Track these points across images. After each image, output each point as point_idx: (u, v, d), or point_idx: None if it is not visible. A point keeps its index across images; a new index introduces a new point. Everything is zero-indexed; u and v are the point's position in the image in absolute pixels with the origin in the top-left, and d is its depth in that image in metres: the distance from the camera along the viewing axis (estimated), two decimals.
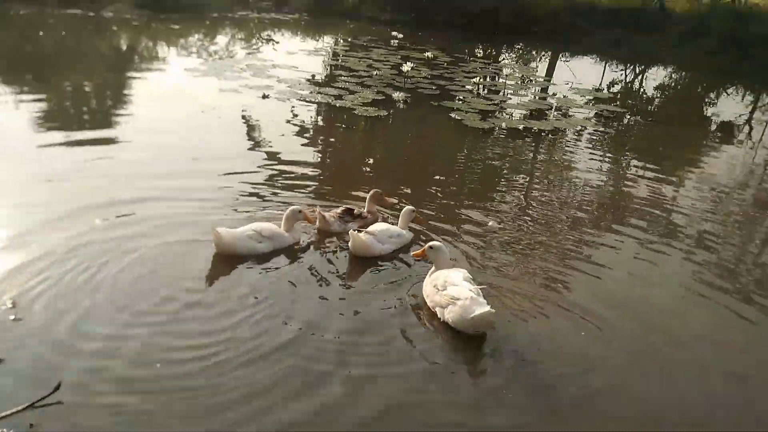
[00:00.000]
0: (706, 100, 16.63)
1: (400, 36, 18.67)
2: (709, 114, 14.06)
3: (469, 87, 12.83)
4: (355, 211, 5.45)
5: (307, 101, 10.31)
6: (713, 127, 12.44)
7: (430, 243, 4.55)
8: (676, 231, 6.24)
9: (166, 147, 7.20)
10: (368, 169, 7.41)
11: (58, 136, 7.24)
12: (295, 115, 9.42)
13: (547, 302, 4.49)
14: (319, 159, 7.66)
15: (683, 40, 23.63)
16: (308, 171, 6.98)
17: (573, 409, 3.47)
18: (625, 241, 5.82)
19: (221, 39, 17.72)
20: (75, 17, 17.68)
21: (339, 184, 6.64)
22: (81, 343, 3.55)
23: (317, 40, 20.04)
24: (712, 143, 11.06)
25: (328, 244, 5.12)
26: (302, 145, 7.97)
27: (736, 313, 4.68)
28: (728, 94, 17.60)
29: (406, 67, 12.31)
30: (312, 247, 5.07)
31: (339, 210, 5.42)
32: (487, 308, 3.82)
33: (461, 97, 11.64)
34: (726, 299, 4.87)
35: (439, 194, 6.59)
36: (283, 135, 8.27)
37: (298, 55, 15.23)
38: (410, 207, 5.36)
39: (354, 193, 6.29)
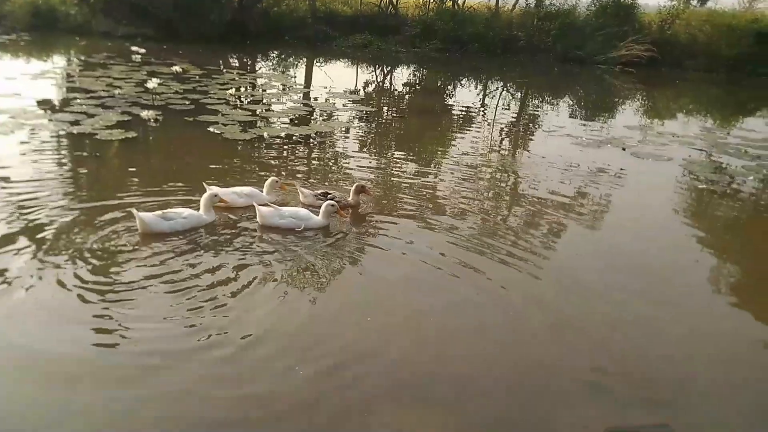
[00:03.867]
0: (446, 91, 18.60)
1: (143, 51, 17.19)
2: (451, 103, 15.70)
3: (225, 99, 12.31)
4: (329, 195, 6.35)
5: (36, 131, 8.79)
6: (456, 114, 13.90)
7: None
8: (441, 209, 6.73)
9: None
10: (126, 190, 6.51)
11: None
12: (24, 149, 7.93)
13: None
14: (62, 191, 6.45)
15: (417, 41, 26.34)
16: (53, 206, 5.90)
17: None
18: (400, 222, 6.14)
19: None
20: None
21: (93, 212, 5.78)
22: None
23: (44, 61, 17.46)
24: (457, 128, 12.32)
25: None
26: (37, 181, 6.68)
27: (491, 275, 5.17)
28: (462, 85, 19.95)
29: (152, 83, 11.29)
30: None
31: (319, 191, 6.54)
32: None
33: (219, 110, 11.11)
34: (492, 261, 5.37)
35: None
36: (11, 174, 6.84)
37: (20, 80, 13.03)
38: (273, 178, 6.54)
39: (115, 215, 5.60)
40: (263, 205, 5.90)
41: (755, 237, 7.06)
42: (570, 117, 14.40)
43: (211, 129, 9.67)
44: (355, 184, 6.55)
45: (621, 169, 9.19)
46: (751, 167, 9.79)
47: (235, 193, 6.26)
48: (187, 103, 11.63)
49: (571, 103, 17.53)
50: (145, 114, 10.16)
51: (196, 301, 4.41)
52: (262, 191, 6.43)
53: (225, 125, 9.96)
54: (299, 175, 7.74)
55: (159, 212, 5.48)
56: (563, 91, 19.95)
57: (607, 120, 14.18)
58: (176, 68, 14.76)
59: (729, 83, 23.65)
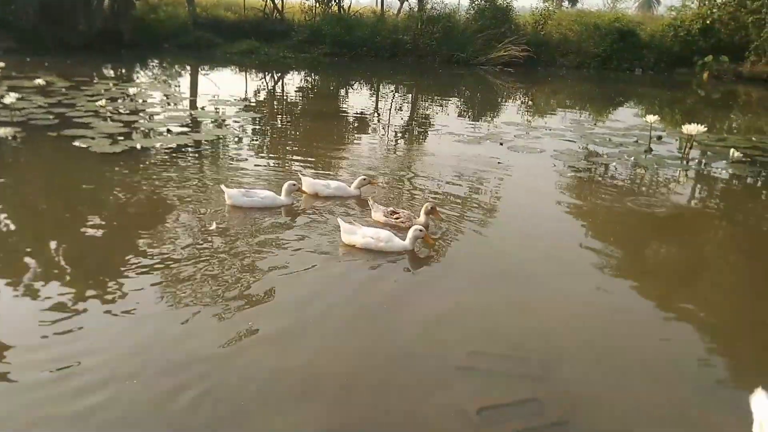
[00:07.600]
0: (339, 96, 18.60)
1: (2, 65, 15.72)
2: (345, 108, 15.70)
3: (95, 111, 11.48)
4: (395, 216, 6.40)
5: None
6: (351, 119, 13.91)
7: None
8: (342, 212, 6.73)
9: None
10: None
11: None
12: None
13: None
14: None
15: (306, 46, 26.21)
16: None
17: None
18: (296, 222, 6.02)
19: None
20: None
21: None
22: None
23: None
24: (353, 133, 12.36)
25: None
26: None
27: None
28: (354, 90, 20.07)
29: (10, 98, 10.33)
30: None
31: (390, 209, 6.55)
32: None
33: (88, 123, 10.36)
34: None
35: (90, 232, 5.72)
36: None
37: None
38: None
39: None
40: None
41: (618, 219, 7.64)
42: (459, 117, 14.94)
43: (77, 143, 8.99)
44: (425, 204, 6.28)
45: (499, 162, 9.63)
46: (614, 154, 10.64)
47: (323, 185, 7.15)
48: (51, 117, 10.76)
49: (458, 103, 18.16)
50: (1, 131, 9.28)
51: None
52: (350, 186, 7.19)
53: (93, 138, 9.30)
54: (193, 186, 7.37)
55: (243, 190, 6.60)
56: (450, 92, 20.62)
57: (491, 118, 14.85)
58: (40, 81, 13.62)
59: (598, 78, 25.63)
